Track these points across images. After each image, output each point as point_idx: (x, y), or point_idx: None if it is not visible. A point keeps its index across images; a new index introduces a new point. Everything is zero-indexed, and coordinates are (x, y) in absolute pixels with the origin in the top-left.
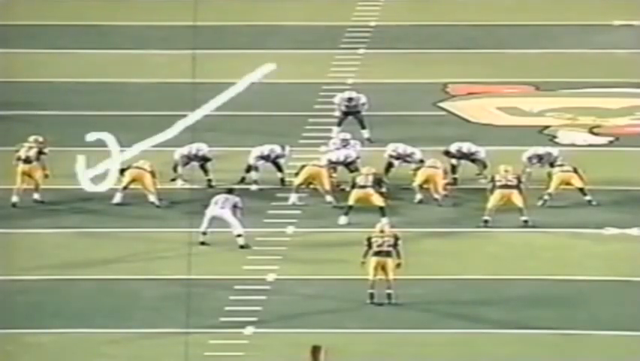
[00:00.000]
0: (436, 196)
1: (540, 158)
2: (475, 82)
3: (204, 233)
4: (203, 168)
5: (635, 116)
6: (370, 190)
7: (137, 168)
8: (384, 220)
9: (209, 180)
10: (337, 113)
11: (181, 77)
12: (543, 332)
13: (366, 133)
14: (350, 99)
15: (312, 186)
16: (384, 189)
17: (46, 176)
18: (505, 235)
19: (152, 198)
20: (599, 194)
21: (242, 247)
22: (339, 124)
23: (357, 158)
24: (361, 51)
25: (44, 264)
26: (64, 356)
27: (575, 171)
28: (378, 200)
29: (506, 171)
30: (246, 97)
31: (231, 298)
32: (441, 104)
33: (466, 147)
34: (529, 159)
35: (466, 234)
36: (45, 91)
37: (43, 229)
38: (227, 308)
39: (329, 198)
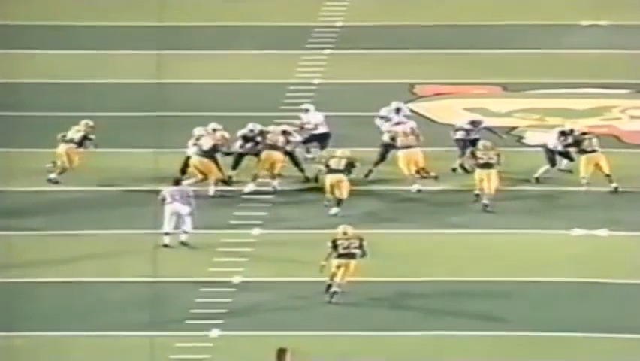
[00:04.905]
0: (426, 173)
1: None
2: (442, 82)
3: (167, 233)
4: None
5: (603, 117)
6: (342, 176)
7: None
8: (335, 210)
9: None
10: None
11: (146, 78)
12: (510, 333)
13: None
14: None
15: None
16: (353, 175)
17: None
18: (470, 236)
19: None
20: (566, 195)
21: (182, 243)
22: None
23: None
24: (327, 51)
25: (11, 264)
26: (30, 360)
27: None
28: (345, 189)
29: (485, 147)
30: (211, 97)
31: (197, 300)
32: (408, 105)
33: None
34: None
35: (429, 235)
36: (10, 92)
37: (9, 231)
38: (192, 311)
39: (275, 182)
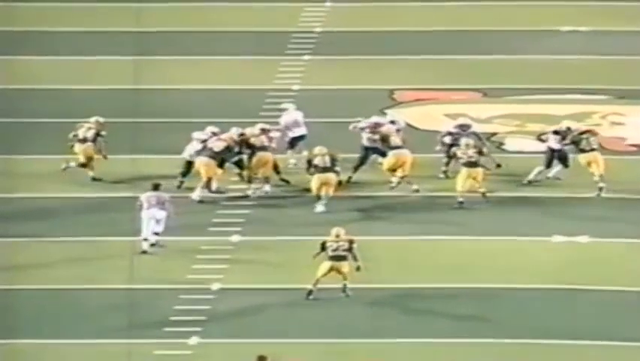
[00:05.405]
0: (408, 182)
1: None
2: (422, 88)
3: (146, 239)
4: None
5: (584, 123)
6: (332, 175)
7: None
8: (321, 208)
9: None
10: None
11: (124, 84)
12: (492, 340)
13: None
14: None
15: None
16: (338, 169)
17: (104, 157)
18: (452, 242)
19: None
20: (548, 201)
21: (152, 245)
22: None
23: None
24: (306, 57)
25: None
26: None
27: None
28: (332, 187)
29: (467, 145)
30: (190, 103)
31: (176, 307)
32: (387, 111)
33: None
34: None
35: (412, 241)
36: None
37: None
38: (171, 318)
39: (267, 187)
